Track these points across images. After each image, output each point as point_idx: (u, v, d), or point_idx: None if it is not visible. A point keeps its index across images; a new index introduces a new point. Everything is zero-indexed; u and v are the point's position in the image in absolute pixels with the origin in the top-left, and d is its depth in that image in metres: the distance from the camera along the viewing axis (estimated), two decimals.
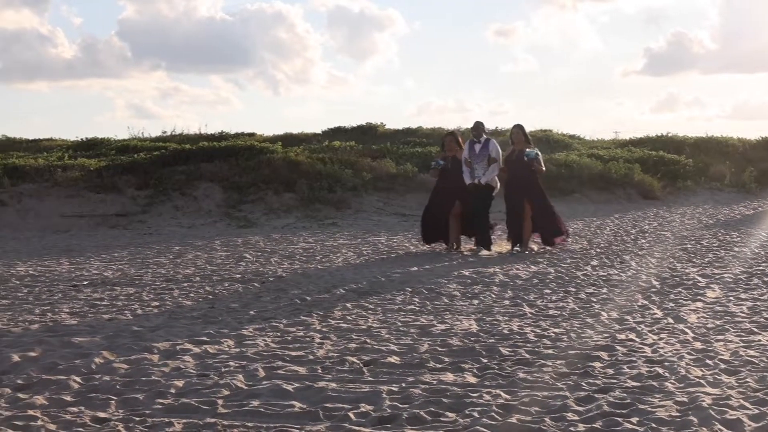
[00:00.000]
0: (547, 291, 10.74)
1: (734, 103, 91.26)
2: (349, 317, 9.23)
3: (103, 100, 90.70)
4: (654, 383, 6.34)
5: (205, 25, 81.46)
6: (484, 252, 14.82)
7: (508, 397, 6.10)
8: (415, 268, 12.91)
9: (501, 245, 15.46)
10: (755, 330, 8.19)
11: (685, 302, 9.77)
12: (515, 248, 14.99)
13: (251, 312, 9.56)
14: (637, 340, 7.85)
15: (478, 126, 15.44)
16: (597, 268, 12.68)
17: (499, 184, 15.28)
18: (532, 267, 12.88)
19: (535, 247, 15.09)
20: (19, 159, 25.17)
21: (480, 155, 15.05)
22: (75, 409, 5.98)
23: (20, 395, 6.34)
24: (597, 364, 6.95)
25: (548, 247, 15.11)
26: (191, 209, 22.32)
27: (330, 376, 6.78)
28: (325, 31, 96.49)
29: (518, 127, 15.56)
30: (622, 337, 7.99)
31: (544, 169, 15.43)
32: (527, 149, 15.00)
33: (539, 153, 15.16)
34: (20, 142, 35.61)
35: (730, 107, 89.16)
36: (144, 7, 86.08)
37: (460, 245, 15.40)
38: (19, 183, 22.74)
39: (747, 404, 5.78)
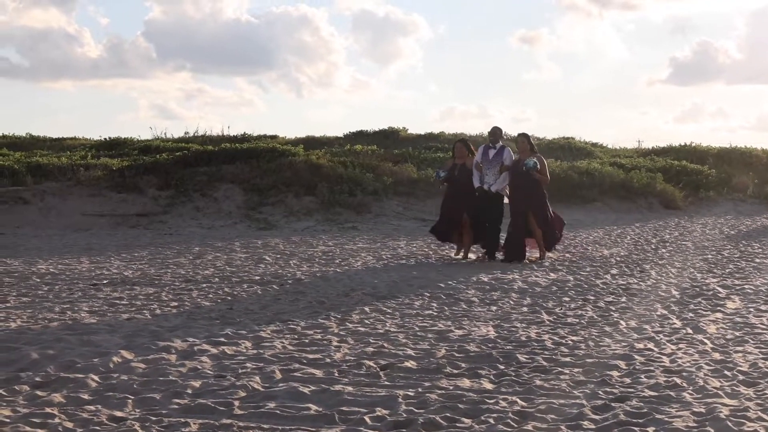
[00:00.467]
0: (566, 299, 10.70)
1: (758, 114, 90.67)
2: (366, 321, 9.23)
3: (127, 100, 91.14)
4: (671, 393, 6.31)
5: (231, 26, 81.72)
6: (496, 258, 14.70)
7: (524, 404, 6.09)
8: (434, 274, 12.90)
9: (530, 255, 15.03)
10: None
11: (704, 313, 9.72)
12: (501, 257, 14.74)
13: (269, 314, 9.58)
14: (655, 349, 7.81)
15: (496, 131, 15.12)
16: (617, 277, 12.64)
17: (508, 195, 14.93)
18: (551, 274, 12.85)
19: (536, 254, 14.84)
20: (42, 157, 25.34)
21: (493, 161, 14.67)
22: (92, 408, 6.01)
23: (38, 393, 6.38)
24: (614, 373, 6.92)
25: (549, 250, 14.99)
26: (212, 210, 22.40)
27: (346, 379, 6.78)
28: (350, 35, 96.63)
29: (523, 136, 15.08)
30: (641, 346, 7.95)
31: (548, 178, 14.88)
32: (527, 159, 14.51)
33: (537, 162, 14.52)
34: (44, 140, 35.84)
35: (755, 118, 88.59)
36: (170, 8, 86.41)
37: (467, 254, 15.09)
38: (42, 181, 22.89)
39: (765, 416, 5.74)
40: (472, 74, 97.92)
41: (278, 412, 5.90)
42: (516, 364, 7.27)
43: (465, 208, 14.77)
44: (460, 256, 15.02)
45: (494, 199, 14.65)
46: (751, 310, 9.90)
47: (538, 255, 14.77)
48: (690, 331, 8.68)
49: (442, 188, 15.52)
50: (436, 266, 13.92)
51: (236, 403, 6.10)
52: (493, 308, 10.04)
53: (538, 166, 14.45)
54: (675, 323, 9.09)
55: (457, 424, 5.65)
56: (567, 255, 15.21)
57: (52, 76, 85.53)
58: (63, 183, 22.85)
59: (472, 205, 14.70)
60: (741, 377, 6.79)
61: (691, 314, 9.62)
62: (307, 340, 8.20)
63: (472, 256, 15.10)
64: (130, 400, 6.16)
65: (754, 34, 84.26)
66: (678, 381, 6.65)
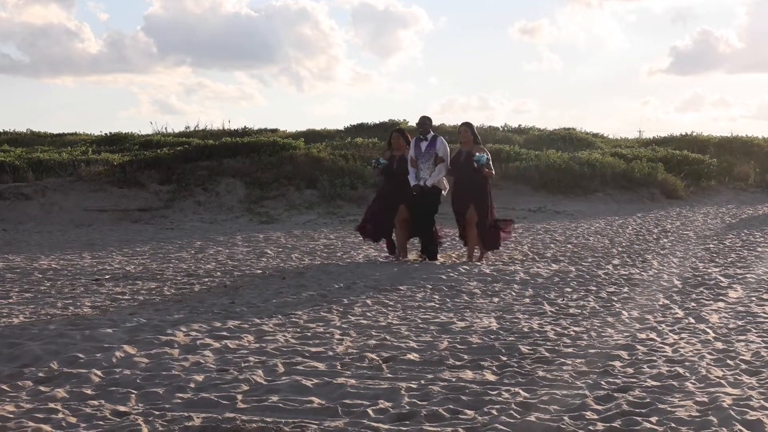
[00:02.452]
0: (568, 289, 10.70)
1: (759, 103, 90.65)
2: (369, 314, 9.23)
3: (128, 95, 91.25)
4: (674, 383, 6.32)
5: (231, 21, 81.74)
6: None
7: (527, 395, 6.09)
8: (436, 265, 12.89)
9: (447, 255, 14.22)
10: None
11: (706, 302, 9.72)
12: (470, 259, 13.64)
13: (271, 307, 9.59)
14: (657, 339, 7.82)
15: (425, 121, 13.89)
16: (618, 267, 12.63)
17: (447, 187, 13.92)
18: (553, 265, 12.85)
19: (482, 260, 13.61)
20: (43, 153, 25.37)
21: (426, 154, 13.60)
22: (95, 403, 6.01)
23: (41, 388, 6.38)
24: (617, 363, 6.92)
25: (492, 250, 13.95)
26: (213, 204, 22.41)
27: (349, 372, 6.79)
28: (350, 28, 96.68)
29: (466, 126, 13.96)
30: (643, 336, 7.95)
31: (493, 173, 13.82)
32: (477, 153, 13.39)
33: (490, 157, 13.58)
34: (45, 136, 35.86)
35: (755, 107, 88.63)
36: (170, 2, 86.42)
37: (407, 254, 13.95)
38: (43, 177, 22.93)
39: None
40: (472, 66, 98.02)
41: (281, 405, 5.90)
42: (518, 355, 7.27)
43: (402, 201, 13.69)
44: (399, 258, 13.78)
45: (430, 193, 13.61)
46: (753, 299, 9.90)
47: (478, 254, 13.75)
48: (692, 320, 8.68)
49: (379, 179, 14.45)
50: (437, 257, 13.90)
51: (239, 396, 6.11)
52: (495, 300, 10.04)
53: (491, 163, 13.60)
54: (677, 313, 9.09)
55: (460, 416, 5.65)
56: (518, 252, 15.18)
57: (53, 72, 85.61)
58: (64, 179, 22.87)
59: (410, 199, 13.66)
60: (743, 366, 6.79)
61: (693, 304, 9.62)
62: (309, 334, 8.20)
63: (411, 256, 14.02)
64: (133, 395, 6.17)
65: (755, 22, 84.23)
66: (680, 371, 6.65)
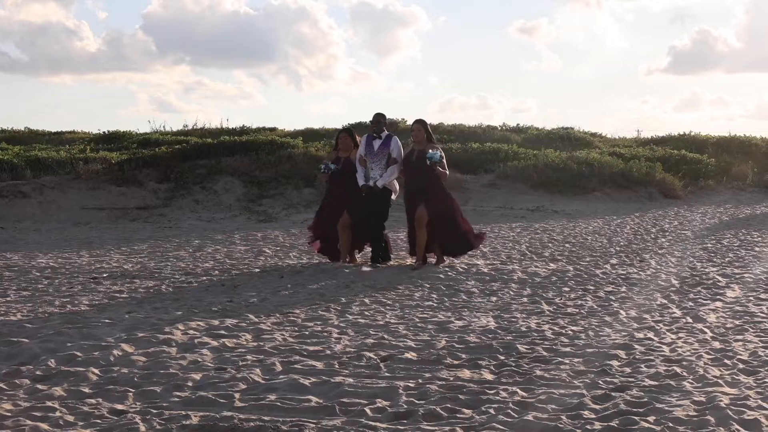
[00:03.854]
0: (566, 289, 10.71)
1: (758, 103, 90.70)
2: (366, 312, 9.24)
3: (126, 93, 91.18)
4: (672, 382, 6.32)
5: (230, 19, 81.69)
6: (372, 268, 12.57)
7: (524, 394, 6.10)
8: (434, 264, 12.88)
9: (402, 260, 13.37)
10: None
11: (704, 302, 9.73)
12: (417, 262, 12.78)
13: (269, 306, 9.59)
14: (655, 339, 7.82)
15: (380, 119, 13.04)
16: (616, 267, 12.64)
17: (398, 190, 13.19)
18: (551, 264, 12.85)
19: (433, 260, 12.91)
20: (41, 151, 25.33)
21: (379, 153, 12.80)
22: (93, 401, 6.01)
23: (39, 386, 6.38)
24: (615, 363, 6.93)
25: (454, 259, 13.09)
26: (211, 203, 22.40)
27: (347, 371, 6.79)
28: (349, 27, 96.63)
29: (419, 123, 13.04)
30: (641, 335, 7.96)
31: (447, 173, 12.90)
32: (430, 150, 12.53)
33: (443, 155, 12.68)
34: (43, 134, 35.81)
35: (754, 106, 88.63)
36: (169, 1, 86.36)
37: (354, 259, 13.20)
38: (41, 175, 22.89)
39: (765, 404, 5.75)
40: (471, 65, 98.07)
41: (279, 404, 5.90)
42: (516, 354, 7.28)
43: (347, 205, 12.91)
44: (345, 263, 12.98)
45: (380, 195, 12.82)
46: (751, 298, 9.91)
47: (434, 260, 12.89)
48: (690, 320, 8.69)
49: (327, 184, 13.39)
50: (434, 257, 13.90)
51: (237, 395, 6.11)
52: (493, 299, 10.05)
53: (444, 161, 12.69)
54: (675, 312, 9.09)
55: (458, 415, 5.66)
56: (515, 251, 15.18)
57: (51, 71, 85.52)
58: (62, 177, 22.84)
59: (355, 204, 12.87)
60: (741, 366, 6.80)
61: (690, 303, 9.63)
62: (307, 332, 8.21)
63: (360, 262, 13.17)
64: (130, 393, 6.17)
65: (753, 22, 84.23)
66: (678, 370, 6.65)
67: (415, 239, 12.84)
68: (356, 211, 12.84)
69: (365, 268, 12.40)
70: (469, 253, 13.35)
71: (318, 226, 13.33)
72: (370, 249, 13.28)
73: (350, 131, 13.59)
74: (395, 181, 13.01)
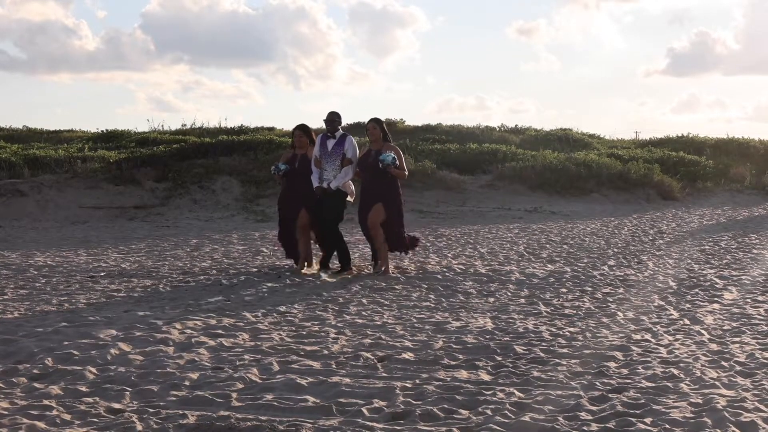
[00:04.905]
0: (563, 290, 10.71)
1: (756, 105, 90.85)
2: (364, 313, 9.24)
3: (125, 92, 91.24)
4: (669, 384, 6.32)
5: (228, 19, 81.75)
6: (323, 276, 11.86)
7: (521, 395, 6.09)
8: (431, 265, 12.90)
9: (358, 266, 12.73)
10: None
11: (701, 304, 9.73)
12: (377, 267, 12.20)
13: (267, 306, 9.59)
14: (652, 340, 7.82)
15: (334, 118, 12.41)
16: (614, 268, 12.64)
17: (353, 192, 12.49)
18: (549, 266, 12.85)
19: (391, 267, 12.29)
20: (39, 150, 25.32)
21: (333, 154, 12.18)
22: (90, 400, 6.01)
23: (36, 385, 6.38)
24: (612, 364, 6.93)
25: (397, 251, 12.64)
26: (209, 202, 22.40)
27: (344, 371, 6.79)
28: (347, 27, 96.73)
29: (375, 122, 12.31)
30: (638, 337, 7.96)
31: (405, 173, 12.24)
32: (385, 152, 11.96)
33: (396, 156, 11.96)
34: (41, 133, 35.79)
35: (752, 108, 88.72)
36: (167, 0, 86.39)
37: (311, 263, 12.57)
38: (39, 174, 22.90)
39: (762, 407, 5.75)
40: (469, 66, 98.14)
41: (276, 403, 5.90)
42: (513, 355, 7.28)
43: (304, 205, 12.37)
44: (303, 268, 12.39)
45: (334, 197, 12.19)
46: (748, 300, 9.91)
47: (381, 266, 12.20)
48: (687, 322, 8.69)
49: (282, 183, 12.84)
50: (433, 258, 13.90)
51: (234, 395, 6.11)
52: (491, 300, 10.05)
53: (397, 162, 11.98)
54: (672, 314, 9.10)
55: (455, 416, 5.65)
56: (513, 252, 15.17)
57: (50, 69, 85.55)
58: (60, 175, 22.83)
59: (312, 202, 12.33)
60: (738, 368, 6.80)
61: (688, 305, 9.63)
62: (304, 332, 8.20)
63: (315, 266, 12.56)
64: (127, 392, 6.17)
65: (752, 24, 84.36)
66: (675, 372, 6.65)
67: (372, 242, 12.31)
68: (314, 211, 12.34)
69: (324, 277, 11.77)
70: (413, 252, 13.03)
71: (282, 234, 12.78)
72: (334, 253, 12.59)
73: (305, 128, 12.89)
74: (350, 183, 12.38)
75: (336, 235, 12.36)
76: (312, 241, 12.77)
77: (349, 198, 12.37)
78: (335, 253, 12.56)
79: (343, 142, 12.29)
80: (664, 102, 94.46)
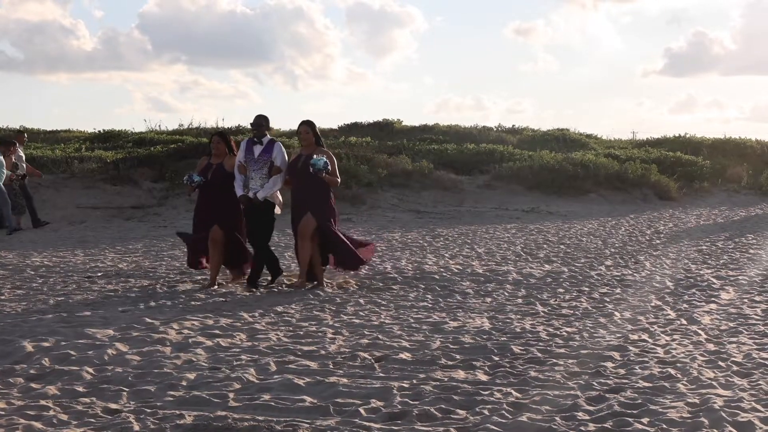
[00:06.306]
0: (561, 290, 10.71)
1: (753, 105, 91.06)
2: (361, 313, 9.23)
3: (122, 92, 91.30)
4: (666, 384, 6.33)
5: (226, 19, 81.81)
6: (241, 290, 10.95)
7: (519, 395, 6.10)
8: (429, 265, 12.90)
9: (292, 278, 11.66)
10: None
11: (698, 304, 9.74)
12: (311, 282, 11.17)
13: (264, 306, 9.58)
14: (649, 340, 7.83)
15: (261, 122, 11.33)
16: (611, 268, 12.65)
17: (281, 201, 11.45)
18: (546, 266, 12.86)
19: (333, 283, 11.32)
20: (36, 150, 25.29)
21: (260, 160, 11.07)
22: (87, 400, 6.00)
23: (33, 385, 6.37)
24: (609, 364, 6.93)
25: (351, 271, 11.74)
26: None
27: (341, 371, 6.79)
28: (345, 27, 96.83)
29: (306, 125, 11.35)
30: (635, 337, 7.97)
31: (338, 180, 11.37)
32: (315, 156, 10.99)
33: (328, 161, 11.00)
34: (39, 133, 35.75)
35: (749, 109, 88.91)
36: (165, 0, 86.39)
37: (215, 282, 11.21)
38: None
39: (759, 407, 5.76)
40: (467, 66, 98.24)
41: (273, 404, 5.90)
42: (510, 355, 7.28)
43: (217, 219, 11.30)
44: (212, 286, 11.11)
45: (262, 210, 11.12)
46: (745, 301, 9.92)
47: (300, 280, 11.18)
48: (684, 322, 8.69)
49: (193, 195, 11.95)
50: (430, 258, 13.90)
51: (231, 395, 6.11)
52: (488, 300, 10.05)
53: (329, 167, 11.01)
54: (669, 314, 9.10)
55: (452, 416, 5.65)
56: (510, 252, 15.18)
57: (47, 69, 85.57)
58: (57, 175, 22.80)
59: (227, 217, 11.31)
60: (735, 368, 6.80)
61: (685, 305, 9.63)
62: (301, 332, 8.20)
63: (223, 282, 11.43)
64: (124, 393, 6.16)
65: (749, 24, 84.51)
66: (672, 372, 6.66)
67: (304, 254, 11.19)
68: (229, 225, 11.29)
69: (242, 291, 10.84)
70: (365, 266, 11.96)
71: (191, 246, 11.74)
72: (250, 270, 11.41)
73: (224, 135, 11.84)
74: (278, 193, 11.32)
75: (267, 252, 11.27)
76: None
77: (277, 209, 11.29)
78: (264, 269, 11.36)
79: (271, 148, 11.19)
80: (661, 102, 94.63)
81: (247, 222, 11.20)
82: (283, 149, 11.33)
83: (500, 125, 38.79)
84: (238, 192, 11.08)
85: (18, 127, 36.71)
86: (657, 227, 19.56)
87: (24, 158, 19.95)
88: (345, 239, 11.30)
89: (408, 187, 24.41)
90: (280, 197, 11.41)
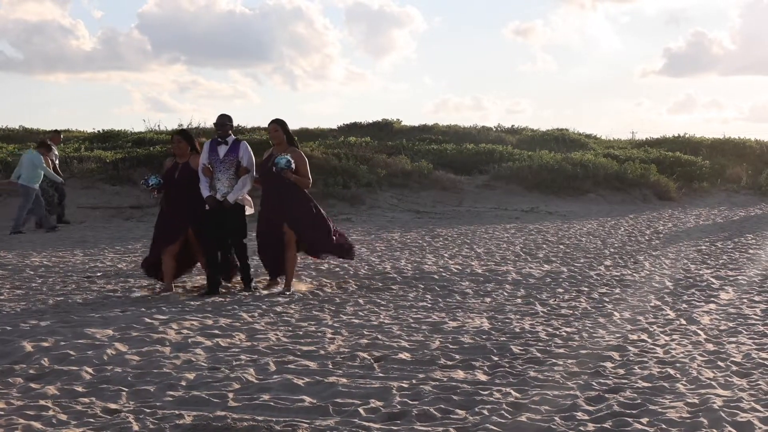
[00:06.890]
0: (560, 290, 10.71)
1: (752, 105, 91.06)
2: (360, 313, 9.23)
3: (121, 92, 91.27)
4: (665, 384, 6.33)
5: (225, 19, 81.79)
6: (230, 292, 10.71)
7: (518, 395, 6.09)
8: (428, 265, 12.90)
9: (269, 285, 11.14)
10: None
11: (698, 304, 9.74)
12: (277, 288, 10.87)
13: (263, 306, 9.58)
14: (649, 340, 7.83)
15: (225, 121, 10.80)
16: (610, 268, 12.65)
17: (251, 203, 11.00)
18: (545, 266, 12.86)
19: (303, 287, 10.92)
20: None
21: (226, 161, 10.59)
22: (86, 400, 6.00)
23: (32, 385, 6.37)
24: (608, 364, 6.93)
25: (317, 259, 11.82)
26: None
27: (340, 371, 6.78)
28: (344, 27, 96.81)
29: (276, 123, 10.93)
30: (634, 337, 7.97)
31: (309, 181, 10.86)
32: (281, 154, 10.61)
33: (294, 160, 10.61)
34: (38, 133, 35.73)
35: (748, 109, 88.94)
36: (164, 0, 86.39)
37: (171, 287, 10.77)
38: None
39: (758, 407, 5.76)
40: (466, 66, 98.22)
41: (272, 404, 5.90)
42: (510, 355, 7.28)
43: (188, 221, 10.77)
44: (163, 291, 10.70)
45: (233, 213, 10.70)
46: (745, 301, 9.92)
47: (282, 288, 10.84)
48: (683, 322, 8.69)
49: (157, 198, 11.53)
50: (430, 257, 13.90)
51: (230, 395, 6.10)
52: (487, 300, 10.05)
53: (293, 165, 10.58)
54: (668, 314, 9.10)
55: (451, 416, 5.65)
56: (510, 252, 15.19)
57: (47, 69, 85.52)
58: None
59: (196, 218, 10.71)
60: (734, 368, 6.80)
61: (684, 305, 9.63)
62: (301, 332, 8.20)
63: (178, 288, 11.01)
64: (124, 393, 6.16)
65: (748, 25, 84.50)
66: (671, 372, 6.66)
67: (269, 257, 11.00)
68: (198, 226, 10.74)
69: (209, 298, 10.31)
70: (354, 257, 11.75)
71: (153, 246, 11.20)
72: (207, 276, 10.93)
73: (186, 133, 11.30)
74: (247, 195, 10.89)
75: (243, 250, 10.87)
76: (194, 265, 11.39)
77: (248, 210, 10.90)
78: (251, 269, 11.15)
79: (237, 148, 10.71)
80: (660, 102, 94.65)
81: (214, 225, 10.64)
82: (249, 148, 10.89)
83: (499, 125, 38.83)
84: (204, 193, 10.60)
85: (17, 127, 36.78)
86: (656, 227, 19.56)
87: (57, 158, 20.44)
88: (328, 225, 10.99)
89: (407, 187, 24.42)
90: (250, 198, 10.96)
